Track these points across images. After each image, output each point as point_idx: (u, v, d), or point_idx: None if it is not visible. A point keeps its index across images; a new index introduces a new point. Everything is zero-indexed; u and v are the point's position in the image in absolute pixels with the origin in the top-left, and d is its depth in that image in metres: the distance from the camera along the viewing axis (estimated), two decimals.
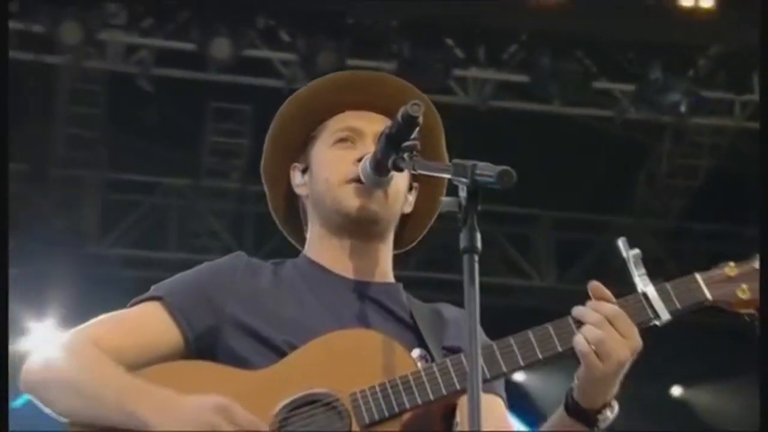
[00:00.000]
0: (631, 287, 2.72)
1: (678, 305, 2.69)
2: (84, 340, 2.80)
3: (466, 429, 2.54)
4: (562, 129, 10.62)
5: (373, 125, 2.94)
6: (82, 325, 2.85)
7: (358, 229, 2.94)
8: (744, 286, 2.67)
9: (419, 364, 2.75)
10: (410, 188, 3.04)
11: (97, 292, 9.20)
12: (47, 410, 2.78)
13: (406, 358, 2.74)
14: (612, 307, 2.66)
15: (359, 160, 2.89)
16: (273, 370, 2.75)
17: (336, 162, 2.95)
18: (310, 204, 3.03)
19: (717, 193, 10.92)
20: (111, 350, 2.78)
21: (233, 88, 10.08)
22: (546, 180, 10.99)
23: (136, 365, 2.77)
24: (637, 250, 2.70)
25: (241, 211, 10.95)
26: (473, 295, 2.42)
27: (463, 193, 2.47)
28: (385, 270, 3.00)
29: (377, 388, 2.68)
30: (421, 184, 3.04)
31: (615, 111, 10.61)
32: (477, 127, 10.48)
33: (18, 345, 9.24)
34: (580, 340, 2.63)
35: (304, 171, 3.04)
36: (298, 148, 3.07)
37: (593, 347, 2.62)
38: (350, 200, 2.90)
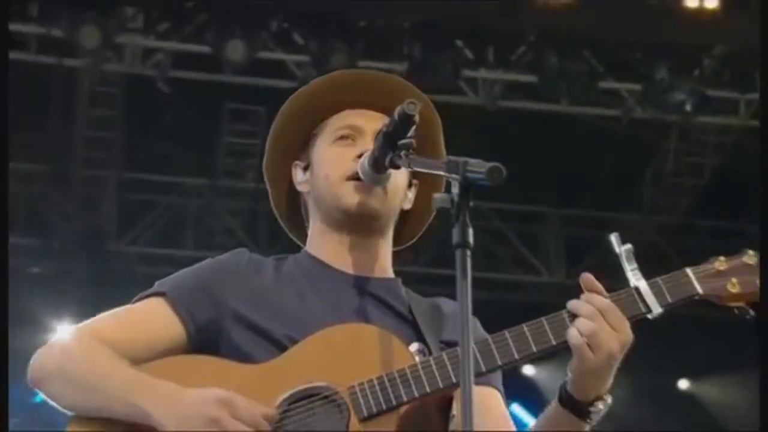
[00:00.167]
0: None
1: (669, 299, 2.68)
2: (88, 335, 2.80)
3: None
4: (570, 128, 10.62)
5: (372, 123, 2.94)
6: (87, 321, 2.85)
7: (357, 224, 2.93)
8: (734, 280, 2.67)
9: (417, 358, 2.74)
10: (410, 185, 3.04)
11: (115, 289, 9.23)
12: (54, 404, 2.78)
13: (403, 352, 2.74)
14: (604, 301, 2.65)
15: (359, 156, 2.89)
16: (273, 364, 2.75)
17: (336, 159, 2.95)
18: (311, 201, 3.03)
19: (722, 190, 10.88)
20: (115, 344, 2.77)
21: (248, 90, 10.09)
22: (554, 178, 11.00)
23: (140, 359, 2.77)
24: (629, 245, 2.70)
25: (256, 210, 10.96)
26: (465, 289, 2.42)
27: (455, 190, 2.47)
28: (384, 265, 2.99)
29: (375, 382, 2.67)
30: (420, 181, 3.03)
31: (621, 110, 10.60)
32: (486, 126, 10.49)
33: (40, 342, 9.28)
34: (573, 333, 2.63)
35: (306, 169, 3.04)
36: (300, 146, 3.07)
37: (585, 339, 2.61)
38: (350, 196, 2.90)
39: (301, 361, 2.74)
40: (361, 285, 2.92)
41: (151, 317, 2.85)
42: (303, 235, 3.09)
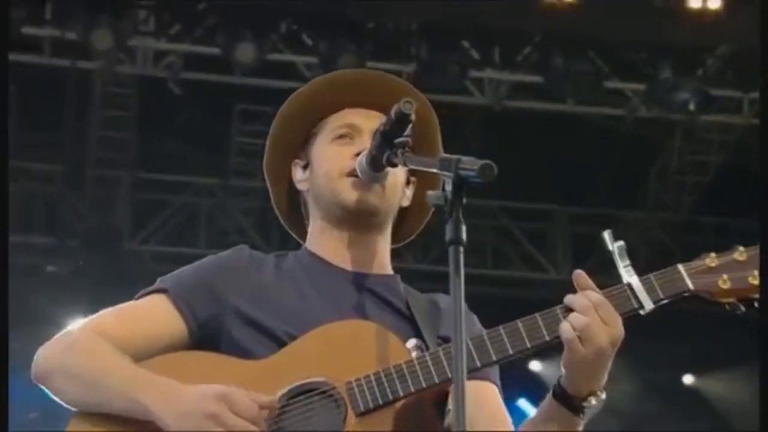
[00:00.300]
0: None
1: (661, 295, 2.67)
2: (90, 331, 2.81)
3: None
4: (576, 127, 10.60)
5: (370, 122, 2.93)
6: (89, 317, 2.86)
7: (356, 221, 2.93)
8: (725, 276, 2.66)
9: (413, 354, 2.74)
10: (408, 183, 3.03)
11: (129, 287, 9.21)
12: (57, 399, 2.79)
13: (400, 348, 2.74)
14: (597, 296, 2.65)
15: (357, 154, 2.89)
16: (273, 360, 2.75)
17: (335, 157, 2.95)
18: (311, 198, 3.03)
19: (726, 188, 10.85)
20: (117, 340, 2.78)
21: (258, 91, 10.08)
22: (561, 177, 10.98)
23: (142, 355, 2.77)
24: (621, 242, 2.70)
25: (267, 209, 10.82)
26: (458, 285, 2.41)
27: (448, 187, 2.46)
28: (383, 262, 2.99)
29: (372, 377, 2.67)
30: (418, 178, 3.03)
31: (626, 110, 10.57)
32: (493, 126, 10.49)
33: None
34: (565, 327, 2.63)
35: (305, 167, 3.05)
36: (299, 145, 3.07)
37: (578, 333, 2.60)
38: (349, 193, 2.90)
39: (300, 357, 2.74)
40: (360, 281, 2.92)
41: (153, 313, 2.86)
42: (303, 233, 3.09)
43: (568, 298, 2.68)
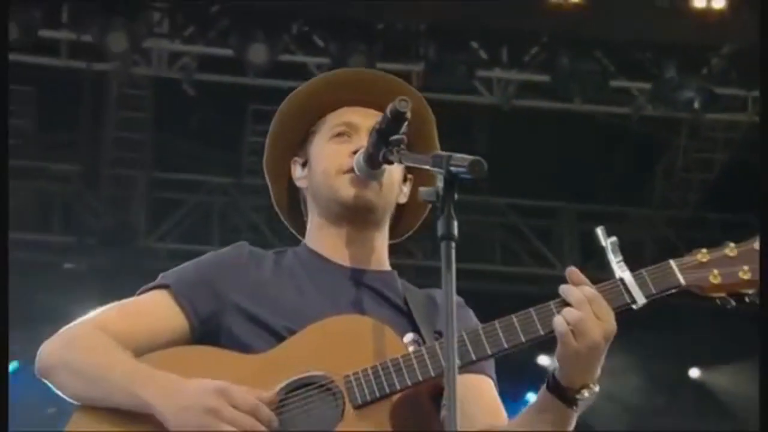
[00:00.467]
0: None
1: (653, 290, 2.66)
2: (92, 326, 2.80)
3: None
4: (583, 126, 10.60)
5: (368, 120, 2.92)
6: (92, 312, 2.85)
7: (354, 217, 2.93)
8: (715, 271, 2.65)
9: (410, 348, 2.73)
10: (405, 180, 3.03)
11: (145, 284, 9.22)
12: (60, 393, 2.78)
13: (397, 342, 2.73)
14: (591, 290, 2.64)
15: (355, 152, 2.88)
16: (272, 354, 2.75)
17: (333, 154, 2.94)
18: (310, 195, 3.02)
19: (731, 185, 10.81)
20: (118, 335, 2.77)
21: (270, 91, 10.05)
22: (568, 175, 10.96)
23: (143, 350, 2.77)
24: (614, 238, 2.68)
25: None
26: (450, 280, 2.41)
27: (440, 183, 2.45)
28: (381, 258, 2.98)
29: (369, 371, 2.67)
30: (415, 175, 3.02)
31: (632, 108, 10.55)
32: (501, 125, 10.48)
33: None
34: (559, 320, 2.61)
35: (304, 165, 3.04)
36: (298, 143, 3.06)
37: (571, 327, 2.59)
38: (347, 189, 2.89)
39: (299, 351, 2.73)
40: (358, 277, 2.91)
41: (155, 309, 2.85)
42: (303, 230, 3.08)
43: (563, 288, 2.66)
